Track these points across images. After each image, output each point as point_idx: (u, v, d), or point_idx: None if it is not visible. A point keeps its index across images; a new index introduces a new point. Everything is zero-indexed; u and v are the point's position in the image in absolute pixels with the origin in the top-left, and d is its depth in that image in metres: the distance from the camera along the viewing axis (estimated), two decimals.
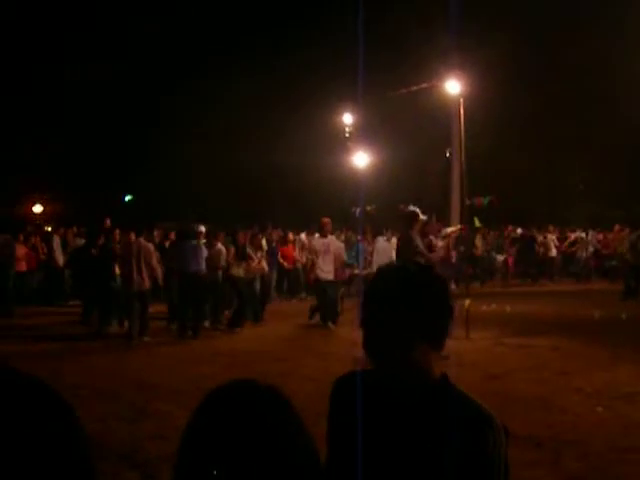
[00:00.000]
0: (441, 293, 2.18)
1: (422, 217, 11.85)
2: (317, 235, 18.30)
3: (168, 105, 40.09)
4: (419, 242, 11.57)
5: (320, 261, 16.08)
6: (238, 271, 16.36)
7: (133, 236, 14.80)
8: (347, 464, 2.13)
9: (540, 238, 29.13)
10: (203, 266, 15.27)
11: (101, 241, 16.69)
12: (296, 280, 23.30)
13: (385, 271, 2.30)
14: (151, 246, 15.36)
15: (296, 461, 1.40)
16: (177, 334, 14.97)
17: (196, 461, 1.40)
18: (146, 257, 14.58)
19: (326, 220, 16.53)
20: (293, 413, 1.48)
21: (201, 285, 15.31)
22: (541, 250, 28.49)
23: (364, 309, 2.18)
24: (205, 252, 15.51)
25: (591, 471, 6.62)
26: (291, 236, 22.97)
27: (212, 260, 15.82)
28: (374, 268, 16.52)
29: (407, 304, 2.08)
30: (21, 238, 20.09)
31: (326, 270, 16.02)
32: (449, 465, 1.98)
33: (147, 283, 14.70)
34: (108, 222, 18.48)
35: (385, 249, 18.54)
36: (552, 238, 28.86)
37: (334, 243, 16.60)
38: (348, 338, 12.84)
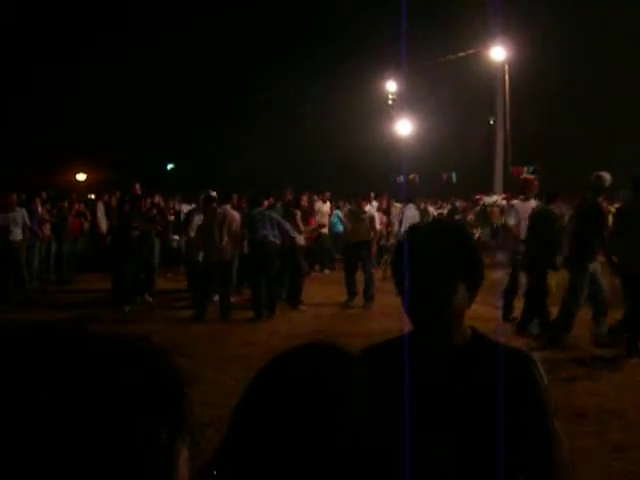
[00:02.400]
0: (472, 242, 2.36)
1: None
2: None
3: (214, 76, 40.36)
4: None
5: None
6: (299, 239, 15.18)
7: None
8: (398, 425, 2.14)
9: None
10: (277, 235, 13.87)
11: (126, 209, 15.45)
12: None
13: (418, 226, 2.44)
14: (237, 214, 14.08)
15: (357, 429, 1.31)
16: (254, 315, 13.36)
17: (253, 416, 1.34)
18: (231, 225, 13.61)
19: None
20: (364, 378, 1.39)
21: (275, 256, 14.06)
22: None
23: (403, 263, 2.21)
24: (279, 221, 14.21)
25: (636, 441, 6.57)
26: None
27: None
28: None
29: (446, 251, 2.16)
30: (66, 205, 20.26)
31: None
32: (504, 406, 2.04)
33: (229, 253, 13.68)
34: (137, 188, 17.00)
35: (414, 217, 18.08)
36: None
37: None
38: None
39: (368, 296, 14.64)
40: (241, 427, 1.34)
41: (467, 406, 2.13)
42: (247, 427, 1.33)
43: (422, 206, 20.78)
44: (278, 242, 13.94)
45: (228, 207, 13.90)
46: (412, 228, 2.35)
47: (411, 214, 18.31)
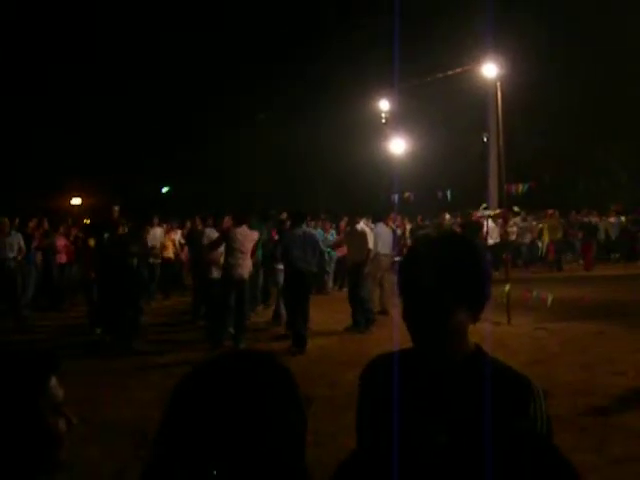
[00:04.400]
0: (479, 259, 2.19)
1: None
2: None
3: (209, 93, 40.56)
4: None
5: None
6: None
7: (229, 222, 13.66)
8: (387, 436, 2.13)
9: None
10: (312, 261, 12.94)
11: (122, 233, 14.32)
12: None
13: (424, 238, 2.31)
14: (255, 234, 13.49)
15: (277, 436, 1.38)
16: (291, 349, 12.23)
17: (180, 426, 1.39)
18: (247, 245, 13.02)
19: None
20: (288, 384, 1.46)
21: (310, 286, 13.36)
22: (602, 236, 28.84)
23: (404, 276, 2.19)
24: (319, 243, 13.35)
25: (638, 455, 6.56)
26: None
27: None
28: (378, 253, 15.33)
29: (448, 269, 2.08)
30: (61, 230, 20.24)
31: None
32: (493, 430, 1.98)
33: (247, 272, 13.05)
34: (116, 211, 15.47)
35: (387, 234, 16.70)
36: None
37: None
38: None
39: (367, 320, 14.07)
40: (170, 423, 1.41)
41: (453, 429, 2.07)
42: (174, 424, 1.40)
43: (395, 223, 20.39)
44: (315, 270, 13.34)
45: (244, 227, 13.18)
46: (417, 240, 2.31)
47: (382, 231, 17.10)
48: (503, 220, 18.87)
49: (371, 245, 14.73)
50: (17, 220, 18.06)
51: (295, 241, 12.73)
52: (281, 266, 14.40)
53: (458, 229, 26.15)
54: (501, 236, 24.44)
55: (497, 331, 12.69)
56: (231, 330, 12.84)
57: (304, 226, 13.17)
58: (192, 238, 17.92)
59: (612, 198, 33.82)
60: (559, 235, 27.15)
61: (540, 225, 28.10)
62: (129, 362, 11.41)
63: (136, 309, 13.66)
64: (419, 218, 28.60)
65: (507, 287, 13.84)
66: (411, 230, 26.44)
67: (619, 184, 39.29)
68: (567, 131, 37.61)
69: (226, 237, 13.00)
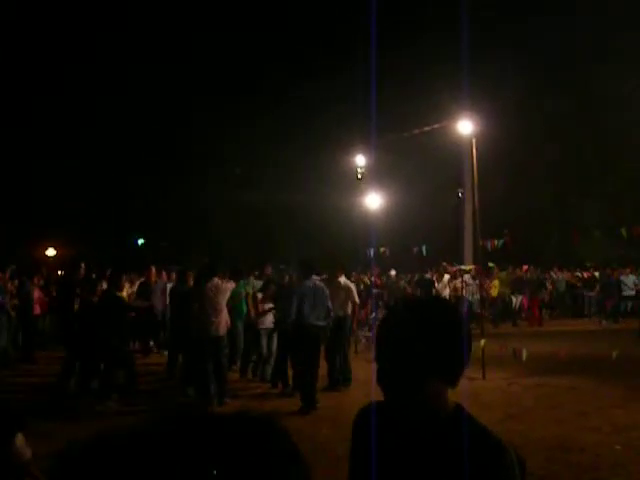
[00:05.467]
0: (454, 328, 2.12)
1: None
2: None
3: (181, 144, 40.77)
4: None
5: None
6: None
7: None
8: None
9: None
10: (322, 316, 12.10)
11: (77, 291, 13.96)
12: None
13: (398, 305, 2.29)
14: (229, 286, 12.90)
15: None
16: (302, 407, 11.53)
17: None
18: (221, 299, 12.37)
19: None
20: (288, 445, 1.35)
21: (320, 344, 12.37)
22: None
23: (377, 345, 2.17)
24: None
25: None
26: None
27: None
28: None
29: (418, 340, 2.05)
30: (35, 281, 20.06)
31: None
32: None
33: (223, 329, 12.43)
34: (82, 268, 15.04)
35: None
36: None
37: None
38: None
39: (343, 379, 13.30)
40: None
41: None
42: None
43: (352, 279, 20.16)
44: (323, 325, 12.22)
45: (218, 280, 12.58)
46: (390, 310, 2.28)
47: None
48: (482, 275, 19.00)
49: (357, 299, 14.28)
50: None
51: (306, 294, 11.92)
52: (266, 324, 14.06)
53: (409, 287, 26.30)
54: (452, 292, 24.59)
55: (472, 386, 12.67)
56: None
57: (313, 278, 12.33)
58: (143, 290, 17.95)
59: (586, 254, 34.08)
60: (506, 291, 27.01)
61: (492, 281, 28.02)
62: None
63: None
64: (368, 274, 26.95)
65: (482, 342, 13.84)
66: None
67: (593, 240, 39.57)
68: (542, 187, 38.04)
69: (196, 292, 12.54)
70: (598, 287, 27.92)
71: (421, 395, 2.08)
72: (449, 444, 2.04)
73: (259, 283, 15.19)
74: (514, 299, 27.89)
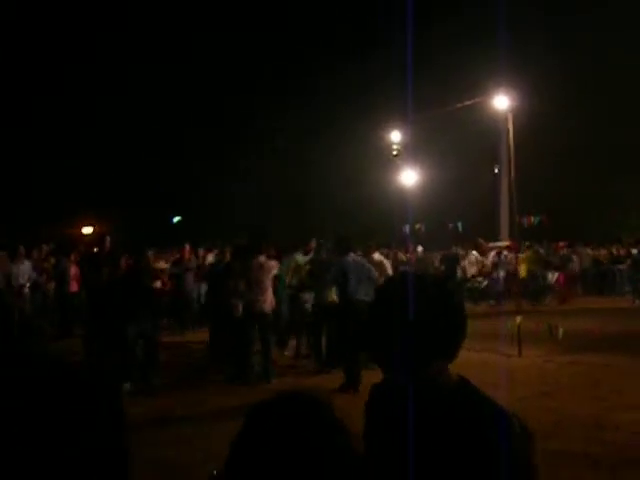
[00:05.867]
0: (454, 307, 2.17)
1: None
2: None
3: (217, 126, 40.77)
4: None
5: None
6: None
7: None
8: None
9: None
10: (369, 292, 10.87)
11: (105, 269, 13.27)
12: None
13: (394, 287, 2.28)
14: (274, 264, 12.91)
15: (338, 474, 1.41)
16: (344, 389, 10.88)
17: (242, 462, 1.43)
18: (265, 278, 12.32)
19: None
20: (337, 425, 1.47)
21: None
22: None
23: (373, 325, 2.21)
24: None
25: None
26: None
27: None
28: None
29: (421, 322, 2.08)
30: (72, 258, 20.20)
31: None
32: (467, 466, 1.99)
33: (269, 306, 12.40)
34: (108, 242, 14.35)
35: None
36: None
37: None
38: None
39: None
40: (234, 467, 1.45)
41: (428, 462, 2.06)
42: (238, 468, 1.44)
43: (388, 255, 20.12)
44: (368, 300, 11.46)
45: (263, 257, 12.55)
46: (380, 292, 2.28)
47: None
48: (514, 252, 18.88)
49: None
50: (22, 248, 17.91)
51: (350, 269, 11.68)
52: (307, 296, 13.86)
53: (437, 263, 26.10)
54: (479, 270, 24.43)
55: (508, 363, 12.67)
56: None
57: (351, 254, 12.09)
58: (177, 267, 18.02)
59: (625, 230, 33.72)
60: (535, 268, 26.47)
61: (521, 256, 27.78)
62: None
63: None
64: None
65: (518, 319, 13.79)
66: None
67: (631, 216, 39.16)
68: (580, 162, 37.62)
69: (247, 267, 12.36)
70: (630, 261, 27.36)
71: (424, 373, 2.12)
72: (456, 414, 2.07)
73: (304, 259, 15.04)
74: (550, 275, 27.63)
